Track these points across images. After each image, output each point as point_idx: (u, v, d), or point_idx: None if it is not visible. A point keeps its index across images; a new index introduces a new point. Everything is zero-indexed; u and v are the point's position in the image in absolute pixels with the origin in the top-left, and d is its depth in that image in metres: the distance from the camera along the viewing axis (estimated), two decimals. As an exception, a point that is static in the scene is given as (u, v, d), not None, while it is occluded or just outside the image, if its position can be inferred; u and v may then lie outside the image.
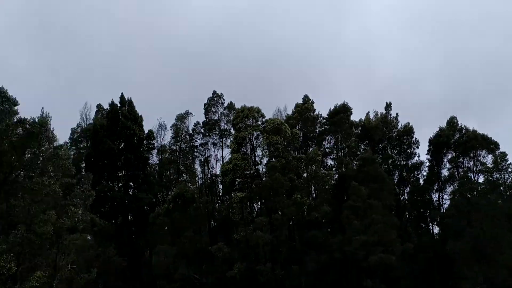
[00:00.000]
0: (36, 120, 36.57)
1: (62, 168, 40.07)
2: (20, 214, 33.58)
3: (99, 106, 66.91)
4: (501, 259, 50.66)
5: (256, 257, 52.57)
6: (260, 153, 56.18)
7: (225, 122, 61.65)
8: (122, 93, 61.31)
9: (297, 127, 58.92)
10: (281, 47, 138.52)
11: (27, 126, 36.34)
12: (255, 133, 54.57)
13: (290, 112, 63.26)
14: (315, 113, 62.34)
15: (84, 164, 60.81)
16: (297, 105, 61.57)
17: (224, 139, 62.41)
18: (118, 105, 60.76)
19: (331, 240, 52.13)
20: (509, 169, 57.05)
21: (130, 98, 61.58)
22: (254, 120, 54.75)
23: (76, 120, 68.77)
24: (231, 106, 61.27)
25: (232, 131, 58.85)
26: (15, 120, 36.34)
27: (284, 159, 51.97)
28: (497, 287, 49.71)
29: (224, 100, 61.81)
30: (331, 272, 52.71)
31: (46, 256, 36.00)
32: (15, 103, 35.95)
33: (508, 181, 57.14)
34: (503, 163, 57.20)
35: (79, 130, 67.72)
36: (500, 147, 58.30)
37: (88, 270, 41.27)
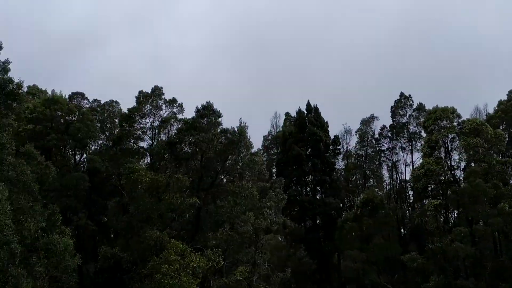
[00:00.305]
0: (236, 129, 40.53)
1: (258, 173, 43.52)
2: (225, 214, 37.55)
3: (287, 114, 70.72)
4: None
5: (455, 270, 48.07)
6: (457, 157, 51.37)
7: (415, 124, 58.62)
8: (308, 100, 63.71)
9: (501, 127, 52.19)
10: (480, 42, 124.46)
11: (229, 135, 40.56)
12: (450, 136, 50.10)
13: (491, 111, 56.58)
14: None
15: (275, 169, 64.94)
16: (500, 103, 54.84)
17: (413, 142, 59.39)
18: (305, 112, 63.19)
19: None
20: None
21: (316, 105, 63.47)
22: (448, 122, 50.36)
23: (267, 128, 74.04)
24: (421, 107, 57.97)
25: (423, 134, 55.39)
26: (219, 130, 40.96)
27: (486, 163, 46.46)
28: None
29: (412, 101, 58.89)
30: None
31: (246, 253, 39.36)
32: (219, 115, 40.50)
33: None
34: None
35: (270, 137, 72.70)
36: None
37: (281, 269, 43.79)
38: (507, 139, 52.71)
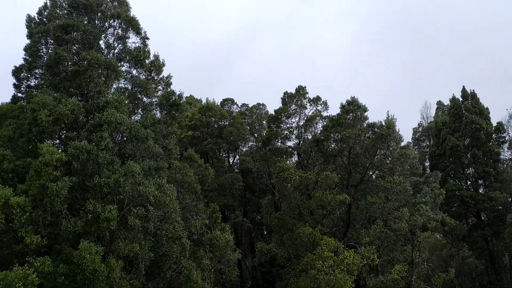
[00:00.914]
0: (383, 123, 39.12)
1: (410, 167, 41.35)
2: (376, 210, 36.51)
3: (439, 103, 65.87)
4: None
5: None
6: None
7: None
8: (463, 86, 58.24)
9: None
10: None
11: (376, 129, 39.35)
12: None
13: None
14: None
15: (428, 163, 60.87)
16: None
17: None
18: (460, 99, 57.91)
19: None
20: None
21: (473, 90, 57.68)
22: None
23: (417, 120, 69.89)
24: None
25: None
26: (365, 124, 39.99)
27: None
28: None
29: None
30: None
31: (402, 251, 37.61)
32: (365, 109, 39.57)
33: None
34: None
35: (420, 129, 68.45)
36: None
37: (442, 269, 40.81)
38: None
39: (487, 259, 53.60)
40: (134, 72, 33.70)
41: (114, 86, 32.36)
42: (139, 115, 33.14)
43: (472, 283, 51.25)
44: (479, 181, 56.62)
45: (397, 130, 41.97)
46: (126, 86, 33.13)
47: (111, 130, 26.34)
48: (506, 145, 60.04)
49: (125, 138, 28.26)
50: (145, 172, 26.62)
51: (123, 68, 33.00)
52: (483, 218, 55.76)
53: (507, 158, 60.73)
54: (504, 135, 58.35)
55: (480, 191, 56.32)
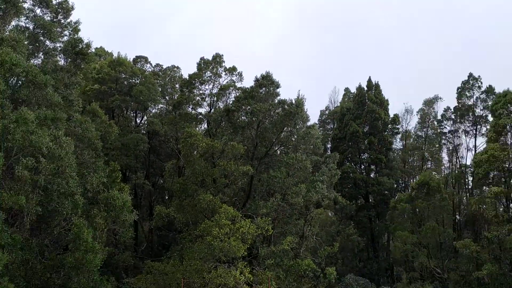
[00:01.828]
0: (294, 101, 40.20)
1: (312, 146, 43.26)
2: (277, 184, 37.80)
3: (346, 90, 69.36)
4: None
5: (511, 261, 46.02)
6: (525, 144, 48.28)
7: (481, 108, 55.30)
8: (369, 77, 61.87)
9: None
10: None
11: (286, 106, 40.35)
12: (520, 121, 47.01)
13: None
14: None
15: (330, 145, 64.28)
16: None
17: (478, 126, 56.23)
18: (365, 88, 61.52)
19: None
20: None
21: (377, 81, 61.58)
22: (519, 106, 47.20)
23: (325, 103, 73.07)
24: (490, 90, 54.49)
25: (490, 118, 52.29)
26: (277, 101, 40.82)
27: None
28: None
29: (481, 83, 55.41)
30: None
31: (295, 224, 39.64)
32: (277, 85, 40.30)
33: None
34: None
35: (327, 112, 71.74)
36: None
37: (329, 244, 43.86)
38: None
39: (369, 237, 58.69)
40: (38, 11, 30.79)
41: (13, 23, 29.31)
42: (40, 60, 30.50)
43: (353, 258, 55.88)
44: (372, 166, 61.23)
45: (305, 110, 43.45)
46: (28, 25, 30.18)
47: (5, 71, 23.92)
48: (399, 136, 65.48)
49: (20, 82, 25.87)
50: (40, 121, 24.70)
51: (26, 5, 29.93)
52: (370, 200, 60.66)
53: (398, 148, 66.34)
54: (398, 126, 63.47)
55: (371, 175, 60.99)
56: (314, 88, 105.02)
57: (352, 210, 57.06)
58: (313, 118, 70.43)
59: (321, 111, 72.06)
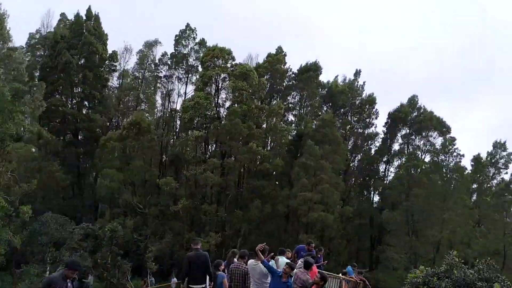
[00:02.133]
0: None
1: (15, 71, 38.01)
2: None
3: (63, 15, 63.01)
4: (428, 234, 53.89)
5: (202, 196, 53.14)
6: (224, 96, 55.44)
7: (194, 58, 59.86)
8: (90, 6, 57.95)
9: (265, 77, 58.16)
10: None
11: None
12: (222, 75, 53.40)
13: (261, 61, 62.32)
14: (285, 66, 61.72)
15: (38, 73, 57.86)
16: (269, 55, 60.58)
17: (190, 75, 60.88)
18: (84, 18, 57.40)
19: (277, 193, 53.33)
20: (454, 154, 59.58)
21: (98, 13, 58.29)
22: (223, 62, 53.38)
23: (36, 26, 64.63)
24: (202, 42, 59.36)
25: (200, 69, 57.38)
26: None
27: (247, 106, 51.54)
28: (419, 256, 53.02)
29: (196, 35, 59.72)
30: (272, 223, 54.37)
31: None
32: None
33: (451, 165, 59.81)
34: (450, 147, 59.62)
35: (37, 36, 63.82)
36: (451, 131, 60.59)
37: (29, 180, 40.24)
38: (268, 88, 59.47)
39: (76, 175, 56.85)
40: None
41: None
42: None
43: (56, 196, 53.22)
44: (85, 102, 58.72)
45: (8, 29, 37.45)
46: None
47: None
48: (117, 74, 64.54)
49: None
50: None
51: None
52: (80, 137, 58.41)
53: (114, 86, 65.48)
54: (116, 64, 62.36)
55: (83, 111, 58.48)
56: (25, 6, 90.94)
57: (59, 146, 53.78)
58: (19, 40, 61.59)
59: (30, 33, 63.60)
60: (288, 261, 14.26)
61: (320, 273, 12.29)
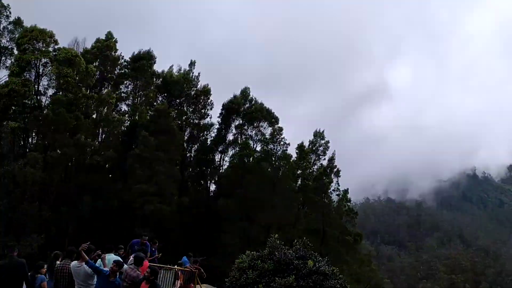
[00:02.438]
0: None
1: None
2: None
3: None
4: (260, 217, 57.50)
5: (22, 195, 47.27)
6: (46, 83, 50.02)
7: (8, 39, 52.45)
8: None
9: (94, 64, 54.22)
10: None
11: None
12: (44, 60, 48.06)
13: (89, 46, 57.84)
14: (117, 54, 58.55)
15: None
16: (97, 40, 56.64)
17: (3, 58, 53.21)
18: None
19: (110, 187, 50.61)
20: (282, 142, 64.56)
21: None
22: (44, 45, 48.03)
23: None
24: (18, 22, 52.29)
25: (15, 52, 50.61)
26: None
27: (73, 94, 47.42)
28: (251, 240, 56.23)
29: (10, 13, 52.35)
30: (104, 219, 51.38)
31: None
32: None
33: (279, 153, 64.68)
34: (278, 136, 64.41)
35: None
36: (279, 122, 65.43)
37: None
38: (97, 76, 55.67)
39: None
40: None
41: None
42: None
43: None
44: None
45: None
46: None
47: None
48: None
49: None
50: None
51: None
52: None
53: None
54: None
55: None
56: None
57: None
58: None
59: None
60: (117, 258, 13.44)
61: (149, 267, 11.86)
